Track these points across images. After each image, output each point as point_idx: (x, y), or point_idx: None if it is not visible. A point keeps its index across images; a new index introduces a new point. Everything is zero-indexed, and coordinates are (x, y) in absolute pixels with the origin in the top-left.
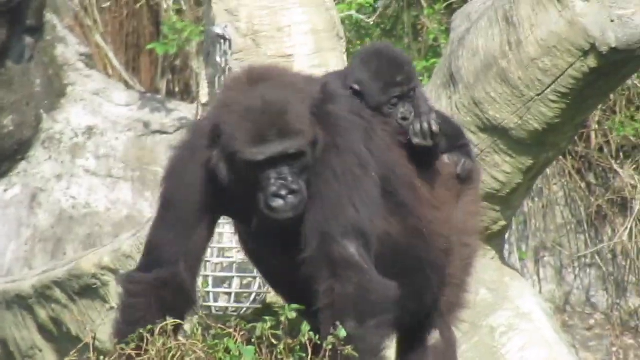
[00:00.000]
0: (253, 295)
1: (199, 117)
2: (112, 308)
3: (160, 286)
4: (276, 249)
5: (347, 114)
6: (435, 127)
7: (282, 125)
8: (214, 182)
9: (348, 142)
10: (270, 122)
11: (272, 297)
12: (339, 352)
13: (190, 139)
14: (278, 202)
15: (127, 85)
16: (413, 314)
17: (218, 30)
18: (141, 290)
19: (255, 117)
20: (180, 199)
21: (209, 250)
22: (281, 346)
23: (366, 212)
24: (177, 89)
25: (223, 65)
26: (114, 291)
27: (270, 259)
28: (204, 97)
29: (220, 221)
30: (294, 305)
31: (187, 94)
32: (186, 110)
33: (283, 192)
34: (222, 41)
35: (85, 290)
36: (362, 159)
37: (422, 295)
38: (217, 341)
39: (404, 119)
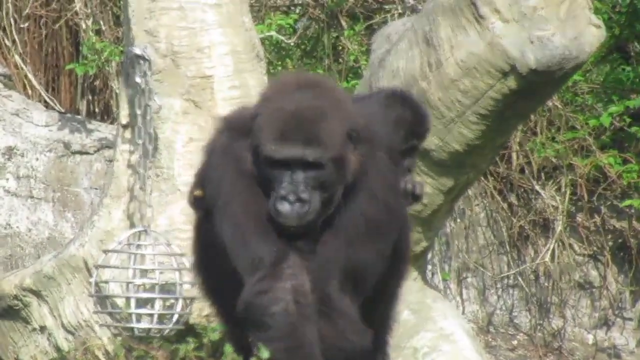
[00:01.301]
0: (176, 317)
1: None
2: (34, 329)
3: (295, 290)
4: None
5: (387, 159)
6: (419, 191)
7: (309, 132)
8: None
9: (384, 187)
10: (298, 126)
11: (195, 318)
12: None
13: (230, 144)
14: (284, 207)
15: (47, 106)
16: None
17: (137, 50)
18: (284, 298)
19: (286, 117)
20: (255, 210)
21: (130, 272)
22: None
23: (375, 268)
24: (97, 110)
25: (143, 85)
26: (36, 312)
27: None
28: (124, 117)
29: (142, 242)
30: (216, 326)
31: (107, 114)
32: (106, 131)
33: (291, 198)
34: (142, 62)
35: (7, 311)
36: (390, 208)
37: None
38: None
39: (409, 170)
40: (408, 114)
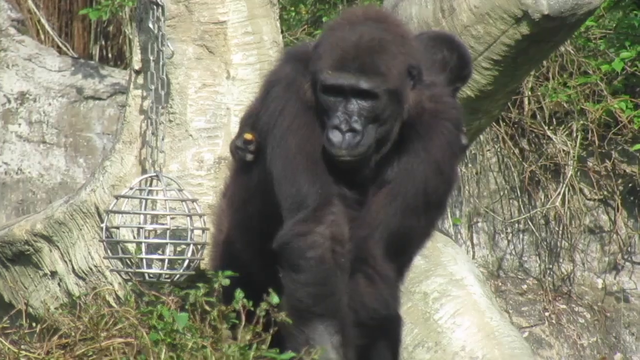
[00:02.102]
0: (186, 262)
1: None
2: (44, 275)
3: (334, 238)
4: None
5: (452, 126)
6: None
7: (367, 62)
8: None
9: (450, 157)
10: (357, 55)
11: (206, 264)
12: (273, 319)
13: (295, 76)
14: (336, 136)
15: (60, 51)
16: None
17: None
18: (322, 245)
19: (346, 46)
20: (310, 146)
21: (141, 217)
22: (214, 313)
23: (424, 240)
24: (110, 55)
25: (156, 31)
26: (47, 258)
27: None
28: (137, 63)
29: (153, 188)
30: (228, 272)
31: (120, 60)
32: (119, 76)
33: (343, 127)
34: (155, 7)
35: (18, 257)
36: (451, 180)
37: None
38: (150, 308)
39: None
40: (454, 57)
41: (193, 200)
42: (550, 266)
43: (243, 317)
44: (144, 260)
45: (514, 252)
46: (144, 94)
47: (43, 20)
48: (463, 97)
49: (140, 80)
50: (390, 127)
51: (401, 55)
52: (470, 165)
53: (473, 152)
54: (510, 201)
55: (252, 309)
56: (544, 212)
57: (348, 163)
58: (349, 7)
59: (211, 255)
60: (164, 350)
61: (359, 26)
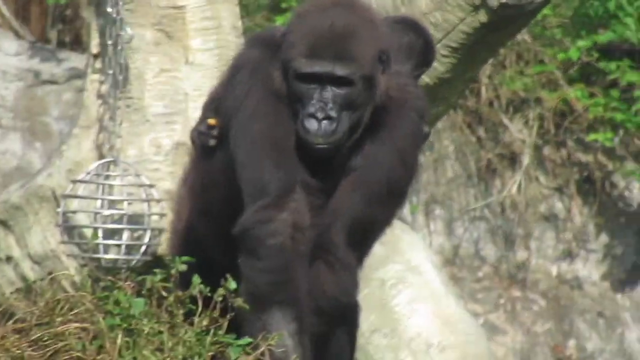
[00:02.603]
0: (144, 248)
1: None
2: (0, 259)
3: (295, 225)
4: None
5: (417, 116)
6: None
7: (341, 49)
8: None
9: (413, 148)
10: (331, 42)
11: (163, 249)
12: (230, 304)
13: (261, 61)
14: (312, 124)
15: (17, 35)
16: None
17: None
18: (283, 232)
19: (319, 32)
20: (275, 131)
21: (98, 202)
22: (171, 298)
23: (385, 229)
24: (67, 39)
25: (114, 15)
26: (2, 242)
27: None
28: (94, 47)
29: (110, 173)
30: (185, 258)
31: (78, 44)
32: (77, 61)
33: (319, 115)
34: None
35: None
36: (414, 171)
37: None
38: (106, 293)
39: None
40: (420, 41)
41: (150, 186)
42: (506, 254)
43: (200, 303)
44: (101, 246)
45: (470, 240)
46: (102, 78)
47: (0, 5)
48: (421, 85)
49: (98, 64)
50: (362, 113)
51: (373, 40)
52: (427, 152)
53: (431, 139)
54: (467, 189)
55: (209, 294)
56: (501, 200)
57: (324, 150)
58: None
59: (170, 243)
60: (120, 336)
61: (329, 12)
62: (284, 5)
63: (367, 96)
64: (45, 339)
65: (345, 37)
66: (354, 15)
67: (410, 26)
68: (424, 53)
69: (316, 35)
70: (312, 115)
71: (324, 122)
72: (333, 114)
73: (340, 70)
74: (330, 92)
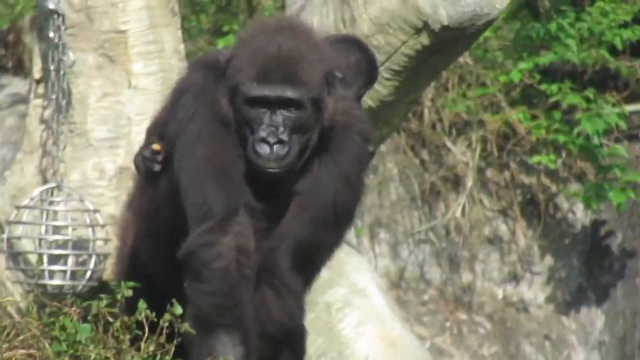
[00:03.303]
0: (89, 273)
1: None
2: None
3: (239, 249)
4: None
5: (360, 140)
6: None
7: (289, 72)
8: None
9: (358, 171)
10: (279, 65)
11: (108, 274)
12: (176, 329)
13: (204, 84)
14: (264, 149)
15: None
16: None
17: (51, 4)
18: (227, 255)
19: (267, 56)
20: (219, 154)
21: (43, 228)
22: (117, 324)
23: (332, 253)
24: (9, 64)
25: (56, 40)
26: None
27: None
28: (37, 72)
29: (54, 198)
30: (130, 283)
31: (20, 69)
32: (20, 86)
33: (271, 139)
34: (55, 16)
35: None
36: (359, 193)
37: None
38: (52, 319)
39: None
40: (365, 59)
41: (95, 211)
42: (451, 276)
43: (146, 328)
44: (46, 272)
45: (415, 262)
46: (45, 103)
47: None
48: (364, 108)
49: (40, 89)
50: (311, 136)
51: (319, 62)
52: (371, 175)
53: (374, 162)
54: (411, 212)
55: (155, 320)
56: (445, 222)
57: (275, 174)
58: (250, 17)
59: (115, 268)
60: None
61: (275, 36)
62: (225, 28)
63: (315, 119)
64: None
65: (293, 61)
66: (299, 39)
67: (354, 44)
68: (368, 70)
69: (264, 60)
70: (264, 140)
71: (276, 146)
72: (284, 137)
73: (290, 93)
74: (280, 115)
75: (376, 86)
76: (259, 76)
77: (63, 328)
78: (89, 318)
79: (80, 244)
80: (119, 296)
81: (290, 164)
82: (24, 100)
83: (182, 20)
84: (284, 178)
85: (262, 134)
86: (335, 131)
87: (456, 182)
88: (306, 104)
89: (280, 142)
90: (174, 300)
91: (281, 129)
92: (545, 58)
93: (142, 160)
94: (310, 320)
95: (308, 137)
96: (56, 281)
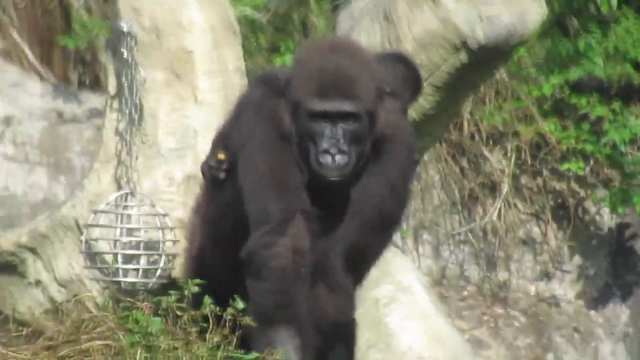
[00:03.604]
0: (159, 272)
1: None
2: (29, 283)
3: (295, 250)
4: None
5: (407, 152)
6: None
7: (346, 87)
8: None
9: (405, 181)
10: (336, 82)
11: (177, 273)
12: (238, 322)
13: (264, 100)
14: (327, 159)
15: (41, 78)
16: None
17: (124, 26)
18: (284, 255)
19: (324, 75)
20: (278, 164)
21: (118, 230)
22: (185, 317)
23: (379, 255)
24: (87, 81)
25: (129, 59)
26: (31, 268)
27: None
28: (112, 88)
29: (127, 203)
30: (197, 281)
31: (96, 85)
32: (96, 101)
33: (333, 150)
34: (128, 37)
35: (5, 267)
36: (405, 201)
37: None
38: (126, 313)
39: None
40: (411, 75)
41: (164, 215)
42: (488, 274)
43: (212, 321)
44: (120, 270)
45: (455, 262)
46: (119, 117)
47: (26, 50)
48: (409, 121)
49: (115, 104)
50: (366, 146)
51: (372, 78)
52: (415, 182)
53: (418, 170)
54: (452, 215)
55: (219, 314)
56: (482, 225)
57: (336, 182)
58: (304, 37)
59: (183, 267)
60: (139, 352)
61: (331, 56)
62: (282, 47)
63: (369, 130)
64: (72, 355)
65: (349, 77)
66: (353, 57)
67: (400, 60)
68: (413, 85)
69: (323, 77)
70: (326, 151)
71: (337, 156)
72: (345, 148)
73: (348, 107)
74: (340, 128)
75: (420, 101)
76: (319, 92)
77: (136, 321)
78: (159, 312)
79: (151, 245)
80: (186, 292)
81: (348, 172)
82: (100, 114)
83: (242, 40)
84: (342, 185)
85: (325, 145)
86: (383, 142)
87: (493, 188)
88: (362, 116)
89: (341, 152)
90: (236, 296)
91: (341, 140)
92: (574, 73)
93: (208, 169)
94: (360, 314)
95: (363, 147)
96: (130, 279)
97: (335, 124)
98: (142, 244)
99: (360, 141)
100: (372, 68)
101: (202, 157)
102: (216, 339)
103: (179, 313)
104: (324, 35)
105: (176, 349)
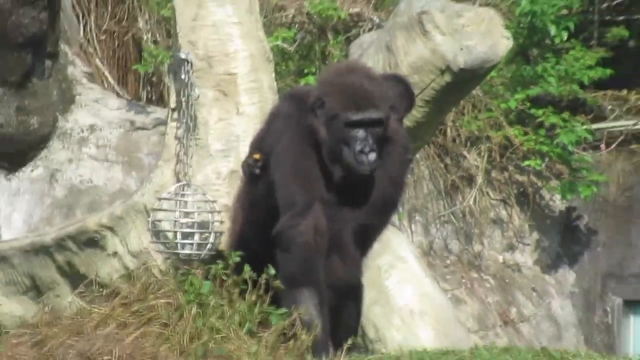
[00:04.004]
0: (209, 245)
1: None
2: (108, 255)
3: (315, 229)
4: (341, 200)
5: (403, 152)
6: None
7: (372, 100)
8: (315, 145)
9: (402, 174)
10: (365, 97)
11: (222, 246)
12: (270, 285)
13: (291, 111)
14: (362, 158)
15: (118, 95)
16: None
17: (182, 55)
18: (307, 233)
19: (353, 91)
20: (301, 162)
21: (177, 213)
22: (229, 281)
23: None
24: (154, 97)
25: (186, 80)
26: (110, 242)
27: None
28: (172, 103)
29: (184, 192)
30: (238, 253)
31: (161, 101)
32: (161, 113)
33: (367, 150)
34: (186, 63)
35: (90, 241)
36: (401, 190)
37: None
38: (184, 278)
39: None
40: (406, 92)
41: (213, 202)
42: (466, 247)
43: (250, 284)
44: (179, 244)
45: (440, 237)
46: (178, 125)
47: (106, 73)
48: (405, 127)
49: (175, 115)
50: (382, 146)
51: (385, 93)
52: (409, 175)
53: (412, 166)
54: (438, 201)
55: (255, 278)
56: (462, 208)
57: (367, 176)
58: (323, 63)
59: (228, 242)
60: (194, 308)
61: (351, 76)
62: (305, 70)
63: (385, 133)
64: (142, 311)
65: (372, 92)
66: (369, 77)
67: (399, 80)
68: (408, 100)
69: (352, 93)
70: (362, 152)
71: (370, 154)
72: (375, 147)
73: (376, 115)
74: (369, 133)
75: (413, 112)
76: (354, 105)
77: (191, 284)
78: (209, 277)
79: (203, 225)
80: (230, 262)
81: (375, 167)
82: (163, 123)
83: (274, 65)
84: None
85: (359, 147)
86: (385, 144)
87: (470, 180)
88: (385, 122)
89: (373, 150)
90: (269, 264)
91: (371, 142)
92: (534, 91)
93: (247, 166)
94: (366, 278)
95: (381, 146)
96: (186, 251)
97: (366, 129)
98: (195, 224)
99: (381, 142)
100: (382, 84)
101: (242, 157)
102: (253, 298)
103: (224, 278)
104: (339, 60)
105: (222, 305)
